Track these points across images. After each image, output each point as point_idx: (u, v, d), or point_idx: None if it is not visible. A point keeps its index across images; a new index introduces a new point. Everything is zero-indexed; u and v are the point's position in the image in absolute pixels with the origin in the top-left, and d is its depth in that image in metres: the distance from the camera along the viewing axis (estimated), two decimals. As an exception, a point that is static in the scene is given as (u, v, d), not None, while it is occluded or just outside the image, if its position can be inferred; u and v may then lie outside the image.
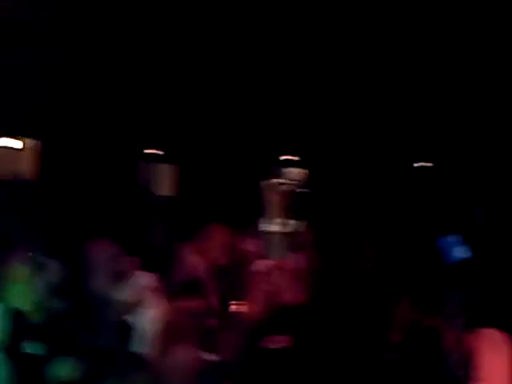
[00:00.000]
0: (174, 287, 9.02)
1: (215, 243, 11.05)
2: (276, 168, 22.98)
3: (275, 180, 23.04)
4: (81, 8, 15.10)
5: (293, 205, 20.79)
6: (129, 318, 7.60)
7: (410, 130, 17.18)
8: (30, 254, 7.89)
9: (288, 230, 20.21)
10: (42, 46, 16.17)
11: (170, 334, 5.84)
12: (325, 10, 13.44)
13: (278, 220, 21.93)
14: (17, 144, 19.95)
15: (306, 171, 19.50)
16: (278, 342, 7.47)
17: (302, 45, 15.39)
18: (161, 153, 18.86)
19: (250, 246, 10.83)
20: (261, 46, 15.58)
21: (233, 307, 8.42)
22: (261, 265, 8.28)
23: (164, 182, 19.34)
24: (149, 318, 7.87)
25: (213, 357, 6.38)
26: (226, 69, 16.45)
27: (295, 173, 21.43)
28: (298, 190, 20.69)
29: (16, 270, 7.47)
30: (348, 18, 13.77)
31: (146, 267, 9.37)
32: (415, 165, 17.99)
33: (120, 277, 9.76)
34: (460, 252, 10.81)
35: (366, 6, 13.11)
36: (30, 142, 18.72)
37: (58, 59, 16.43)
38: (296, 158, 19.55)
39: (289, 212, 20.60)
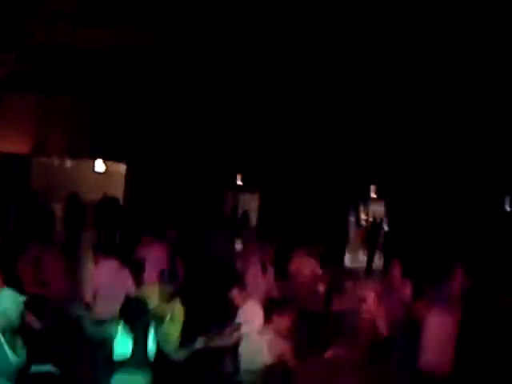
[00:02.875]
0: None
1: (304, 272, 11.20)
2: (361, 204, 22.99)
3: (361, 216, 23.04)
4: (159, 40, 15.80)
5: (377, 241, 20.69)
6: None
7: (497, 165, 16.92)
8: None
9: (370, 264, 20.12)
10: (134, 75, 16.74)
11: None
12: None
13: (362, 255, 21.85)
14: (108, 168, 20.59)
15: (392, 207, 19.36)
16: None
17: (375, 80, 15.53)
18: (246, 183, 19.09)
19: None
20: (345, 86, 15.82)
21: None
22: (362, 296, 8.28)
23: (249, 210, 19.58)
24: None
25: None
26: (316, 109, 16.75)
27: (381, 209, 21.35)
28: (384, 227, 20.59)
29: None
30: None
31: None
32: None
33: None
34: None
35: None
36: (121, 166, 19.24)
37: (147, 86, 16.96)
38: (382, 195, 19.46)
39: (373, 248, 20.50)
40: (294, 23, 14.67)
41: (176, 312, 7.41)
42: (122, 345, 6.07)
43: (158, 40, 16.11)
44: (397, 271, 9.97)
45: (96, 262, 9.49)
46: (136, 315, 6.15)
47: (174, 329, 7.26)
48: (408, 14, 13.80)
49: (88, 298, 8.68)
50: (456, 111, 15.78)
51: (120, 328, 6.11)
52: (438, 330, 7.93)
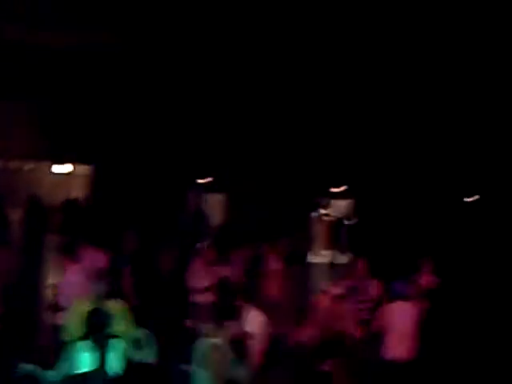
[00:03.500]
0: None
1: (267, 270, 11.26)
2: (324, 200, 23.11)
3: (323, 211, 23.13)
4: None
5: (340, 236, 20.82)
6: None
7: (458, 164, 17.17)
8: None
9: (335, 260, 20.23)
10: (93, 76, 16.62)
11: None
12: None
13: (326, 251, 21.95)
14: (70, 170, 20.38)
15: (354, 203, 19.53)
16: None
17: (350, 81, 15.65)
18: (211, 182, 19.06)
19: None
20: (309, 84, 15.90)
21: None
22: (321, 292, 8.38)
23: (213, 210, 19.50)
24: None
25: None
26: (279, 108, 16.82)
27: (343, 205, 21.48)
28: (346, 222, 20.72)
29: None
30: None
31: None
32: (467, 199, 17.93)
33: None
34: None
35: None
36: (83, 167, 19.07)
37: (109, 87, 16.85)
38: (344, 190, 19.60)
39: (336, 243, 20.63)
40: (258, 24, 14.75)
41: (119, 310, 7.32)
42: (87, 356, 5.98)
43: (117, 40, 16.00)
44: (363, 269, 10.05)
45: (63, 267, 9.41)
46: (99, 326, 6.06)
47: (124, 325, 7.14)
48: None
49: (60, 301, 8.61)
50: (421, 113, 16.01)
51: (83, 341, 6.02)
52: (402, 322, 8.16)
